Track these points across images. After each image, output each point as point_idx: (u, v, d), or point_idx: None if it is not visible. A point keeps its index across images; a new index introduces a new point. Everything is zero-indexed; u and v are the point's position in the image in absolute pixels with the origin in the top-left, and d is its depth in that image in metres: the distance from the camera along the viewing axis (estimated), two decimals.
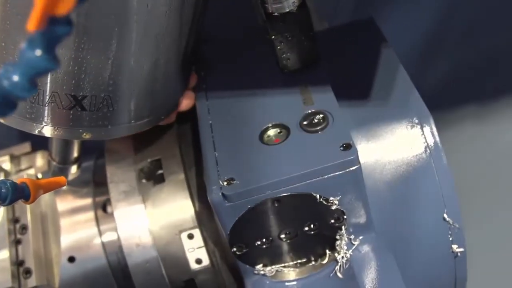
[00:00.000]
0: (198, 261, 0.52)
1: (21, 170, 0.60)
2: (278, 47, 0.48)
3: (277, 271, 0.48)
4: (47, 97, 0.42)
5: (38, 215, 0.56)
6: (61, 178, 0.40)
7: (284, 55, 0.49)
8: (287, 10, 0.46)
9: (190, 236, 0.51)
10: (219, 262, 0.52)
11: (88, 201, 0.55)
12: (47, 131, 0.44)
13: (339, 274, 0.46)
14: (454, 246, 0.50)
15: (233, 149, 0.46)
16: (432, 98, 0.51)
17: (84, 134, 0.44)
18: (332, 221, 0.46)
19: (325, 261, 0.48)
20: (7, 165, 0.59)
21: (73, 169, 0.54)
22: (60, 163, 0.53)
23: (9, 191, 0.35)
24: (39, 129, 0.44)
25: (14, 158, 0.60)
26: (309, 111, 0.47)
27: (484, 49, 0.78)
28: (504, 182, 0.75)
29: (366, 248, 0.47)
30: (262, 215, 0.44)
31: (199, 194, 0.52)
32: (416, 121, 0.49)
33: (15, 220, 0.55)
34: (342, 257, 0.46)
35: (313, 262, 0.48)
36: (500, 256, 0.70)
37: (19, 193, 0.36)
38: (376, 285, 0.45)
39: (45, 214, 0.56)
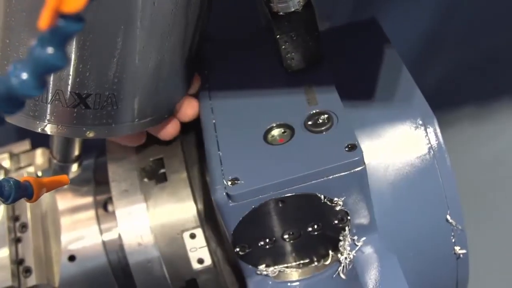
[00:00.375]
0: (200, 261, 0.51)
1: (20, 168, 0.59)
2: (283, 47, 0.48)
3: (279, 271, 0.48)
4: (51, 95, 0.42)
5: (38, 213, 0.55)
6: (64, 177, 0.39)
7: (288, 55, 0.48)
8: (293, 9, 0.46)
9: (192, 236, 0.51)
10: (221, 262, 0.52)
11: (88, 199, 0.55)
12: (50, 129, 0.44)
13: (342, 275, 0.46)
14: (457, 248, 0.50)
15: (237, 149, 0.46)
16: (431, 98, 0.51)
17: (88, 132, 0.44)
18: (336, 221, 0.45)
19: (328, 262, 0.47)
20: (6, 163, 0.59)
21: (74, 167, 0.53)
22: (61, 161, 0.52)
23: (12, 190, 0.35)
24: (42, 127, 0.43)
25: (13, 156, 0.60)
26: (314, 111, 0.47)
27: (484, 49, 0.78)
28: (504, 182, 0.75)
29: (369, 249, 0.47)
30: (266, 215, 0.44)
31: (202, 194, 0.52)
32: (420, 122, 0.49)
33: (15, 218, 0.54)
34: (345, 258, 0.46)
35: (315, 263, 0.48)
36: (499, 256, 0.71)
37: (22, 191, 0.36)
38: (379, 286, 0.45)
39: (45, 213, 0.56)
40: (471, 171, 0.74)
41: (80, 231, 0.54)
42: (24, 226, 0.54)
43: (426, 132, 0.49)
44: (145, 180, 0.53)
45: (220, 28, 0.53)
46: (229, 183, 0.43)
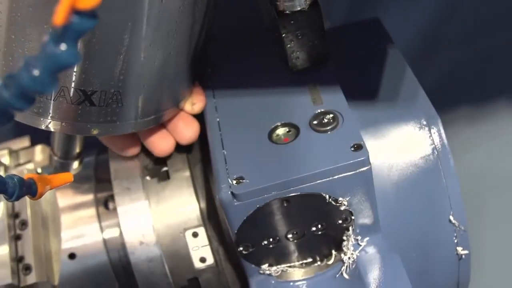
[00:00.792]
0: (202, 259, 0.51)
1: (20, 165, 0.59)
2: (288, 46, 0.48)
3: (282, 271, 0.47)
4: (55, 91, 0.42)
5: (39, 210, 0.55)
6: (68, 174, 0.39)
7: (293, 54, 0.48)
8: (299, 8, 0.46)
9: (195, 235, 0.51)
10: (223, 261, 0.52)
11: (89, 197, 0.54)
12: (54, 125, 0.43)
13: (345, 275, 0.46)
14: (459, 248, 0.50)
15: (242, 148, 0.46)
16: (430, 98, 0.51)
17: (92, 129, 0.44)
18: (340, 221, 0.45)
19: (331, 262, 0.47)
20: (6, 160, 0.59)
21: (75, 164, 0.53)
22: (62, 158, 0.52)
23: (16, 187, 0.34)
24: (46, 124, 0.43)
25: (13, 153, 0.59)
26: (319, 111, 0.46)
27: (482, 49, 0.78)
28: (503, 182, 0.75)
29: (372, 249, 0.47)
30: (270, 214, 0.44)
31: (204, 192, 0.52)
32: (424, 122, 0.49)
33: (15, 215, 0.54)
34: (349, 257, 0.46)
35: (318, 262, 0.48)
36: (498, 256, 0.71)
37: (26, 189, 0.35)
38: (382, 286, 0.45)
39: (45, 210, 0.55)
40: (470, 171, 0.74)
41: (80, 229, 0.53)
42: (24, 224, 0.53)
43: (430, 133, 0.49)
44: (148, 178, 0.53)
45: (222, 27, 0.53)
46: (234, 182, 0.43)
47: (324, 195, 0.43)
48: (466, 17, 0.77)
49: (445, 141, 0.49)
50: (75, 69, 0.41)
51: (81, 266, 0.53)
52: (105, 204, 0.54)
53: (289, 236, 0.46)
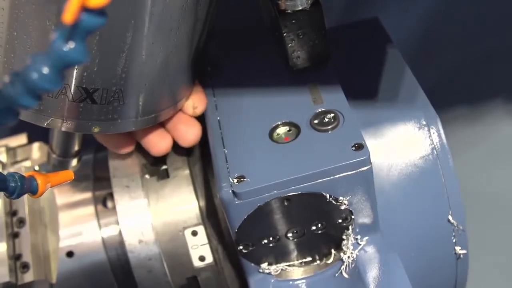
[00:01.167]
0: (202, 258, 0.51)
1: (17, 162, 0.59)
2: (289, 45, 0.48)
3: (282, 269, 0.48)
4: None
5: (36, 208, 0.55)
6: (69, 172, 0.39)
7: (294, 53, 0.48)
8: (300, 7, 0.46)
9: (194, 233, 0.51)
10: (222, 259, 0.52)
11: (87, 195, 0.54)
12: (55, 123, 0.43)
13: (344, 274, 0.46)
14: (457, 248, 0.50)
15: (242, 146, 0.46)
16: (429, 98, 0.51)
17: (93, 127, 0.44)
18: (340, 220, 0.46)
19: (330, 261, 0.47)
20: (3, 157, 0.58)
21: (74, 162, 0.53)
22: (60, 156, 0.52)
23: (17, 185, 0.34)
24: (47, 122, 0.43)
25: (10, 150, 0.59)
26: (320, 110, 0.47)
27: (480, 50, 0.79)
28: (502, 183, 0.75)
29: (372, 248, 0.47)
30: (271, 213, 0.44)
31: (204, 191, 0.52)
32: (424, 122, 0.49)
33: (12, 213, 0.54)
34: (348, 257, 0.46)
35: (318, 261, 0.48)
36: (497, 256, 0.71)
37: (27, 186, 0.35)
38: (381, 285, 0.45)
39: (43, 208, 0.55)
40: (469, 171, 0.74)
41: (78, 227, 0.53)
42: (21, 221, 0.53)
43: (429, 133, 0.49)
44: (147, 176, 0.53)
45: (222, 26, 0.53)
46: (235, 180, 0.43)
47: (324, 194, 0.43)
48: (465, 17, 0.77)
49: (445, 141, 0.49)
50: (77, 67, 0.41)
51: (79, 264, 0.52)
52: (104, 202, 0.54)
53: (289, 235, 0.46)
